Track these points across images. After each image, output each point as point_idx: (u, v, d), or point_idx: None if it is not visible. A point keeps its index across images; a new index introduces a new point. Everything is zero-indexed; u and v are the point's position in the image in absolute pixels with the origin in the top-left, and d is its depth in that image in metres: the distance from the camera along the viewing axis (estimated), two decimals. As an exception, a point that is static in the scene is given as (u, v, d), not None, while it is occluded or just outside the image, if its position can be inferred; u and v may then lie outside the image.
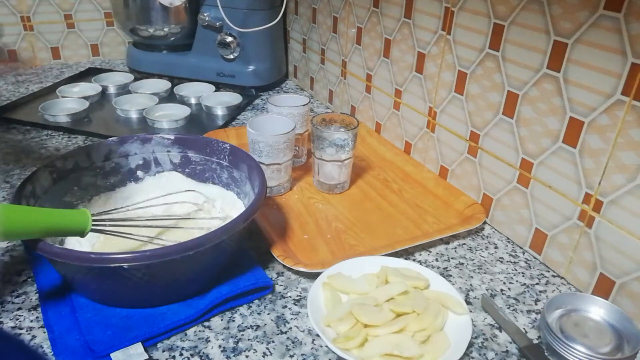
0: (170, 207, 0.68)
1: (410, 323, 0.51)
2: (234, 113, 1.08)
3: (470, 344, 0.54)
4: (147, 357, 0.49)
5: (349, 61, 1.05)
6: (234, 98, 1.13)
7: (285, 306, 0.58)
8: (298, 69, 1.30)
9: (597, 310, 0.54)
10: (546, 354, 0.51)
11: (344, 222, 0.73)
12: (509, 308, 0.59)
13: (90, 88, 1.14)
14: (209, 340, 0.53)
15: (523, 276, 0.65)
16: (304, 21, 1.21)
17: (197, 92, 1.14)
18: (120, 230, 0.58)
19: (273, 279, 0.62)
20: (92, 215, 0.54)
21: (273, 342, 0.53)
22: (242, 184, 0.68)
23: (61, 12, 1.31)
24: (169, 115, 1.03)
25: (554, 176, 0.63)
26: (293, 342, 0.53)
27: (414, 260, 0.66)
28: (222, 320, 0.55)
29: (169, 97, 1.15)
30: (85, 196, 0.66)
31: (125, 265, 0.47)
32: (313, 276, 0.61)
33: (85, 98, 1.07)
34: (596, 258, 0.59)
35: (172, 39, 1.21)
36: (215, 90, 1.17)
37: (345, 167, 0.78)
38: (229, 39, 1.14)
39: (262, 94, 1.22)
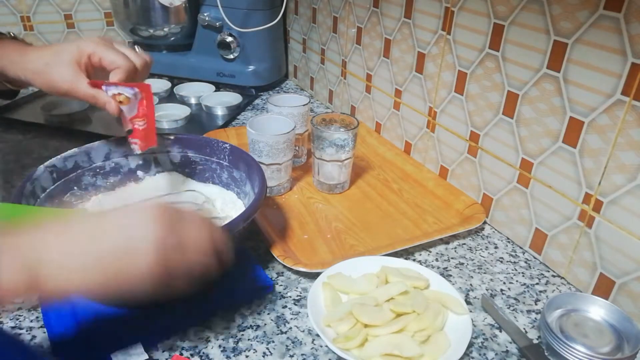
0: (170, 207, 0.68)
1: (410, 323, 0.51)
2: (234, 113, 1.08)
3: (470, 344, 0.54)
4: (147, 357, 0.48)
5: (349, 61, 1.05)
6: (234, 98, 1.13)
7: (285, 306, 0.58)
8: (298, 69, 1.30)
9: (597, 310, 0.54)
10: (546, 354, 0.51)
11: (344, 222, 0.73)
12: (509, 308, 0.59)
13: (90, 88, 1.14)
14: (209, 340, 0.53)
15: (523, 276, 0.65)
16: (304, 21, 1.21)
17: (197, 92, 1.14)
18: (120, 230, 0.58)
19: (273, 279, 0.62)
20: (92, 215, 0.54)
21: (273, 342, 0.53)
22: (242, 184, 0.68)
23: (61, 12, 1.31)
24: (169, 115, 1.02)
25: (554, 176, 0.63)
26: (293, 342, 0.53)
27: (414, 260, 0.66)
28: (222, 320, 0.55)
29: (169, 97, 1.15)
30: (85, 196, 0.66)
31: (125, 265, 0.47)
32: (313, 276, 0.61)
33: (85, 98, 1.07)
34: (596, 258, 0.59)
35: (172, 39, 1.21)
36: (215, 90, 1.17)
37: (345, 167, 0.78)
38: (229, 39, 1.14)
39: (262, 94, 1.22)
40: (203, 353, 0.51)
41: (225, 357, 0.51)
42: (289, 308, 0.57)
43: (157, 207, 0.41)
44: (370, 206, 0.77)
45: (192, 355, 0.51)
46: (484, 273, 0.65)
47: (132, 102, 0.61)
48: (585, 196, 0.59)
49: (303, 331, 0.54)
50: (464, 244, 0.70)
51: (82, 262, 0.37)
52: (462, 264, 0.66)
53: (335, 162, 0.77)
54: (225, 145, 0.69)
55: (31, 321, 0.54)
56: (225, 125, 1.03)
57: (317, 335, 0.54)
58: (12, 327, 0.53)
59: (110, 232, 0.39)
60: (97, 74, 0.61)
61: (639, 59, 0.51)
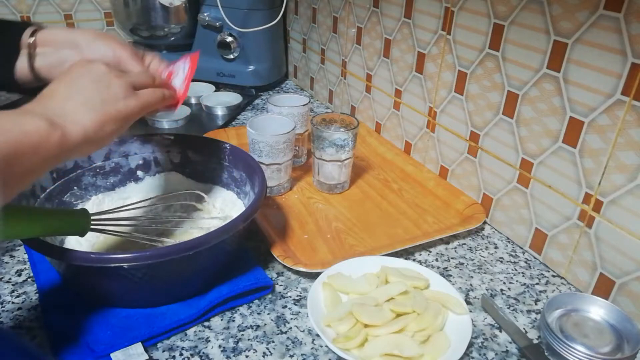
0: (170, 207, 0.68)
1: (410, 323, 0.51)
2: (234, 113, 1.08)
3: (470, 344, 0.54)
4: (147, 357, 0.49)
5: (349, 61, 1.05)
6: (234, 98, 1.13)
7: (285, 306, 0.58)
8: (298, 69, 1.30)
9: (597, 310, 0.54)
10: (546, 354, 0.51)
11: (344, 222, 0.73)
12: (509, 308, 0.59)
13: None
14: (209, 340, 0.53)
15: (523, 276, 0.65)
16: (304, 21, 1.21)
17: (197, 92, 1.14)
18: (120, 230, 0.58)
19: (273, 279, 0.62)
20: (92, 215, 0.54)
21: (273, 342, 0.53)
22: (242, 184, 0.68)
23: (61, 12, 1.31)
24: (169, 115, 1.02)
25: (554, 176, 0.63)
26: (293, 342, 0.53)
27: (414, 260, 0.66)
28: (222, 320, 0.55)
29: (169, 97, 1.15)
30: (85, 196, 0.66)
31: (125, 265, 0.47)
32: (313, 276, 0.61)
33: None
34: (596, 258, 0.59)
35: (172, 39, 1.21)
36: (215, 90, 1.17)
37: (345, 167, 0.78)
38: (229, 39, 1.14)
39: (262, 94, 1.22)
40: (203, 353, 0.51)
41: (225, 357, 0.51)
42: (289, 308, 0.57)
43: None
44: (370, 206, 0.77)
45: (192, 355, 0.51)
46: (484, 273, 0.65)
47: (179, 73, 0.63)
48: (585, 196, 0.59)
49: (303, 331, 0.54)
50: (464, 244, 0.70)
51: (80, 100, 0.45)
52: (462, 264, 0.66)
53: (335, 162, 0.77)
54: (225, 145, 0.69)
55: (31, 321, 0.54)
56: (225, 125, 1.03)
57: (317, 335, 0.54)
58: (12, 327, 0.53)
59: (81, 77, 0.47)
60: None
61: (639, 59, 0.51)
